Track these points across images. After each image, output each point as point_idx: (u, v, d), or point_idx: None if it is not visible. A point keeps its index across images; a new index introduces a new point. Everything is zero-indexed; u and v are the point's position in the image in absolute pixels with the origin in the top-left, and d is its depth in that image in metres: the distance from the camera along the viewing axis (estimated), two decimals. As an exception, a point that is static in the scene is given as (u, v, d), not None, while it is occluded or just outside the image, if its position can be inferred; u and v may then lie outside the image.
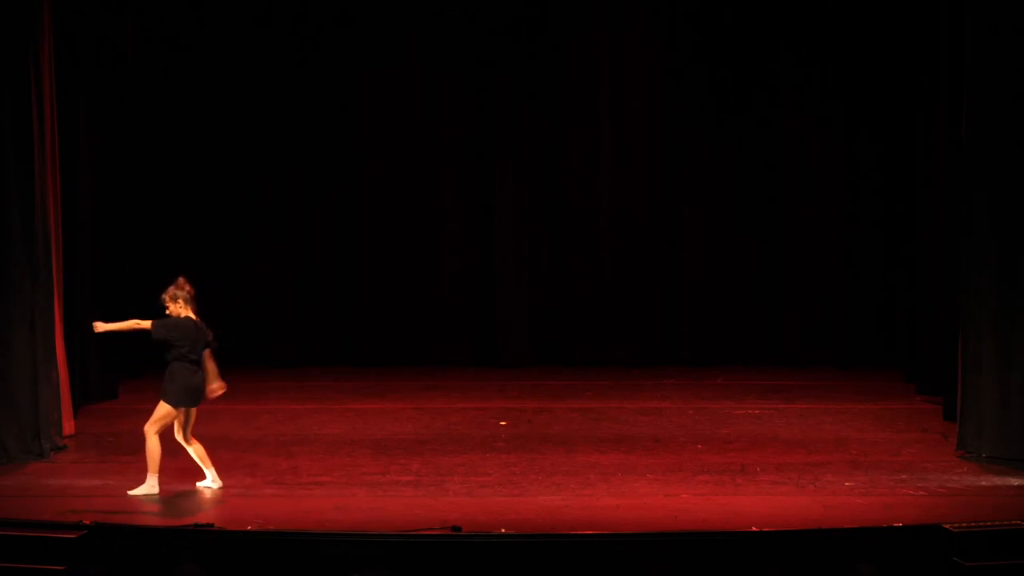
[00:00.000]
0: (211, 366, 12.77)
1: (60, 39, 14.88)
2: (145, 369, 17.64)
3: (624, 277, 18.54)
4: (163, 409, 12.62)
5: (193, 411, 12.78)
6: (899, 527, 11.27)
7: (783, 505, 12.21)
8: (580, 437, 14.73)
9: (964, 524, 11.12)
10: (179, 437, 12.78)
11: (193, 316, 12.67)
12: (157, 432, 12.61)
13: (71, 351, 15.07)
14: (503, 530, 11.35)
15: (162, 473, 12.66)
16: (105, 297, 16.40)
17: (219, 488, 12.74)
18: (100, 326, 12.76)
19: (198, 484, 12.82)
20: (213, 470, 12.80)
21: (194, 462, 12.84)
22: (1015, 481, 12.91)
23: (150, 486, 12.61)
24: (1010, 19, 13.35)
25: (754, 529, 11.34)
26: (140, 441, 14.49)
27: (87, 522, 11.26)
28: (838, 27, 18.00)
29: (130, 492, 12.58)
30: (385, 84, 18.40)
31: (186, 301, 12.65)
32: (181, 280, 12.73)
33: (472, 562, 11.00)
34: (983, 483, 12.92)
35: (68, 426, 14.65)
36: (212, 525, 11.36)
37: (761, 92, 18.24)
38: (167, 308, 12.66)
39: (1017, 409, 13.50)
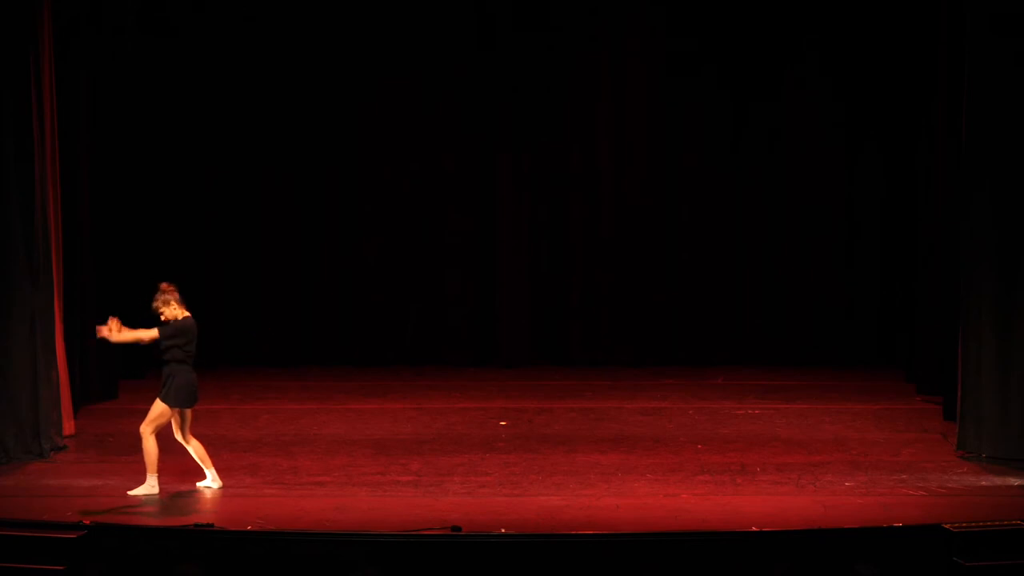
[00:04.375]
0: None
1: (60, 39, 14.86)
2: (145, 369, 17.68)
3: (624, 277, 18.53)
4: (158, 409, 12.62)
5: (189, 411, 12.78)
6: (899, 527, 11.28)
7: (783, 505, 12.22)
8: (580, 437, 14.74)
9: (964, 524, 11.13)
10: (178, 437, 12.79)
11: (189, 315, 12.67)
12: (153, 432, 12.61)
13: (71, 351, 15.06)
14: (503, 530, 11.36)
15: (162, 473, 12.67)
16: (105, 297, 16.40)
17: (219, 488, 12.74)
18: (104, 331, 12.69)
19: (198, 484, 12.83)
20: (213, 470, 12.80)
21: (194, 462, 12.84)
22: (1015, 481, 12.91)
23: (150, 486, 12.61)
24: (1011, 18, 13.37)
25: (754, 529, 11.34)
26: (140, 441, 14.53)
27: (87, 522, 11.27)
28: (838, 28, 17.99)
29: (130, 492, 12.58)
30: (386, 84, 18.38)
31: (177, 302, 12.65)
32: (163, 286, 12.70)
33: (472, 562, 11.01)
34: (983, 483, 12.92)
35: (68, 426, 14.64)
36: (212, 525, 11.37)
37: (761, 92, 18.22)
38: (162, 314, 12.64)
39: (1017, 409, 13.50)
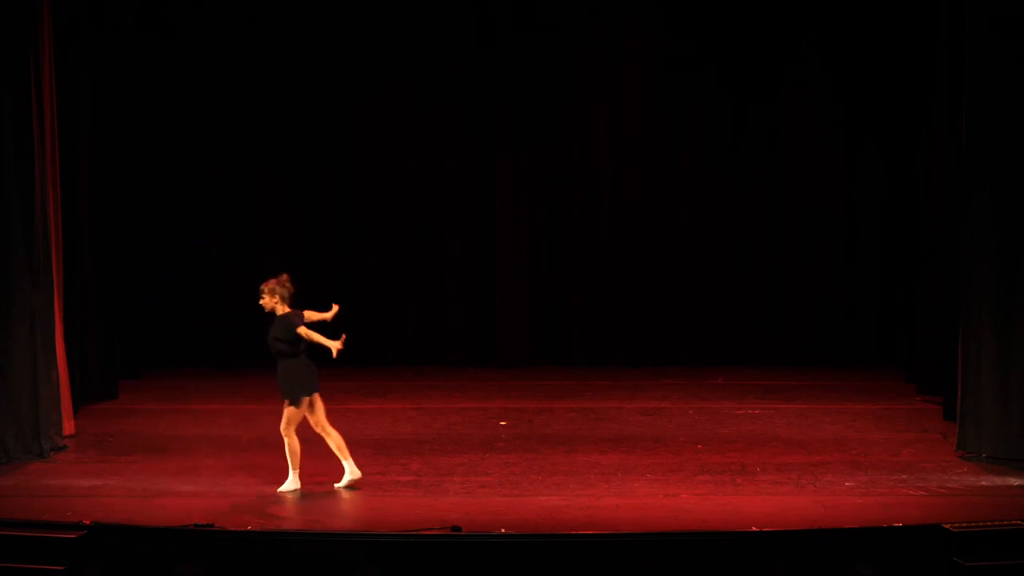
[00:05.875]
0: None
1: (60, 39, 14.87)
2: (145, 369, 17.72)
3: (624, 277, 18.53)
4: (316, 404, 12.79)
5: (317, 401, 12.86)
6: (899, 527, 11.29)
7: (783, 505, 12.22)
8: (580, 437, 14.74)
9: (964, 524, 11.14)
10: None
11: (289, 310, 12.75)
12: (327, 427, 12.79)
13: (71, 351, 15.06)
14: (503, 530, 11.36)
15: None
16: (105, 297, 16.41)
17: (294, 490, 12.72)
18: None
19: (336, 485, 12.84)
20: (298, 473, 12.79)
21: (292, 457, 12.86)
22: (1015, 481, 12.91)
23: (351, 472, 12.73)
24: (1011, 18, 13.37)
25: (754, 529, 11.35)
26: (140, 441, 14.59)
27: (87, 522, 11.27)
28: (838, 28, 17.98)
29: (336, 486, 12.71)
30: (386, 84, 18.38)
31: (283, 299, 12.70)
32: (284, 277, 12.80)
33: (472, 562, 11.01)
34: (983, 483, 12.93)
35: (68, 426, 14.64)
36: (212, 525, 11.37)
37: (761, 92, 18.21)
38: (262, 298, 12.68)
39: (1017, 409, 13.50)
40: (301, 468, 12.98)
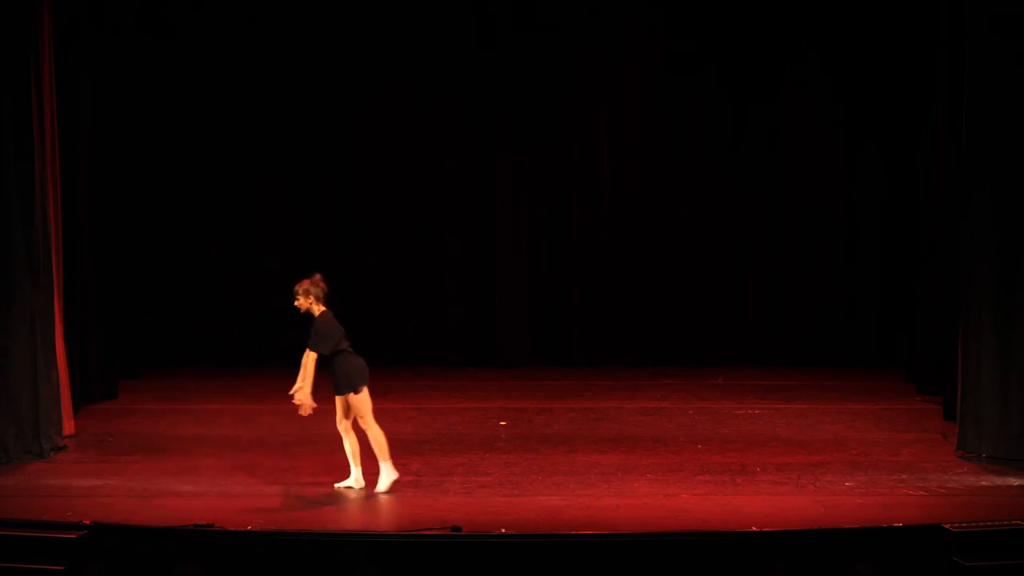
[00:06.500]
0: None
1: (60, 39, 14.87)
2: (145, 369, 17.72)
3: (624, 277, 18.53)
4: (355, 400, 12.64)
5: (353, 400, 12.73)
6: (899, 527, 11.29)
7: (783, 505, 12.22)
8: (580, 437, 14.74)
9: (964, 524, 11.14)
10: (340, 427, 12.77)
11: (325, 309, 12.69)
12: (370, 423, 12.65)
13: (71, 351, 15.05)
14: (503, 530, 11.36)
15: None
16: (105, 297, 16.41)
17: (361, 489, 12.69)
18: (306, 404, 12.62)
19: (336, 485, 12.79)
20: (359, 470, 12.76)
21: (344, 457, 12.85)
22: (1015, 481, 12.91)
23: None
24: (1011, 18, 13.38)
25: (754, 529, 11.35)
26: (140, 441, 14.57)
27: (87, 522, 11.28)
28: (838, 28, 17.99)
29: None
30: (386, 84, 18.37)
31: (317, 298, 12.69)
32: (318, 277, 12.79)
33: (472, 562, 11.01)
34: (983, 483, 12.92)
35: (68, 426, 14.63)
36: (212, 525, 11.37)
37: (761, 92, 18.21)
38: (296, 299, 12.68)
39: (1017, 409, 13.50)
40: (303, 466, 12.97)
